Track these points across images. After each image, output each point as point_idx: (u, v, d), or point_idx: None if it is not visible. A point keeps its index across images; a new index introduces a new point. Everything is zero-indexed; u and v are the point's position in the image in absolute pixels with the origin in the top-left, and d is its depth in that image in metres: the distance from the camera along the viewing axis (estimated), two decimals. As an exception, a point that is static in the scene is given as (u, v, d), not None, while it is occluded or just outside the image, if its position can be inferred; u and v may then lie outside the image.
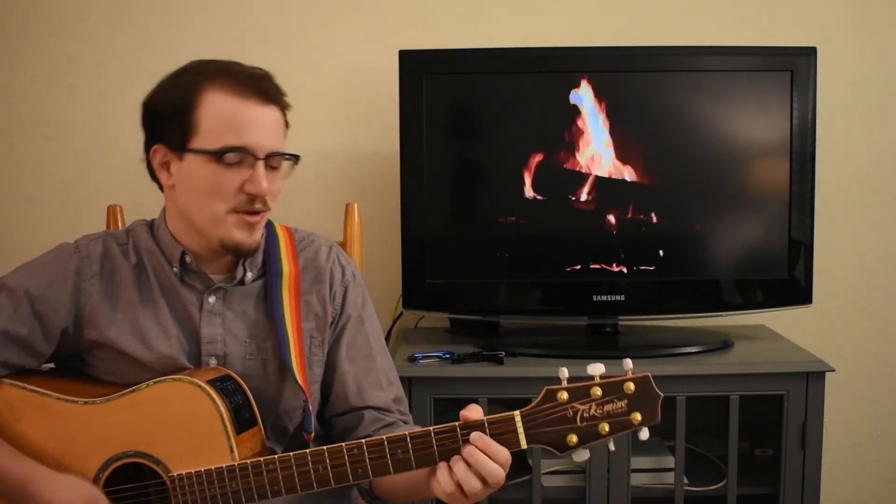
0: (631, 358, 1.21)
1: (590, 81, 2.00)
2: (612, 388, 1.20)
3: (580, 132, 2.01)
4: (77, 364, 1.46)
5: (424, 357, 1.95)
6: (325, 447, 1.28)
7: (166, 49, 2.26)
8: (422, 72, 2.00)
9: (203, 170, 1.35)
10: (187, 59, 1.42)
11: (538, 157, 2.02)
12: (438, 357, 1.96)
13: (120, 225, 1.91)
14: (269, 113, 1.37)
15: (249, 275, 1.46)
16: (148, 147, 1.42)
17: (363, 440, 1.26)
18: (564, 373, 1.22)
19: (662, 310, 2.14)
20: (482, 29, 2.29)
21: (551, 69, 2.04)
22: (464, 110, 2.08)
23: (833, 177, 2.30)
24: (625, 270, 2.04)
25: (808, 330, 2.30)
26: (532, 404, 1.22)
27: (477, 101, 2.07)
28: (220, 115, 1.35)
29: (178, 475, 1.31)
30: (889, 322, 2.36)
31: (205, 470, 1.30)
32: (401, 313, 2.13)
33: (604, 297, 2.04)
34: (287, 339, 1.43)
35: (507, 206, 2.04)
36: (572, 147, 2.02)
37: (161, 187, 1.45)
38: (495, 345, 2.01)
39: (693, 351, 2.01)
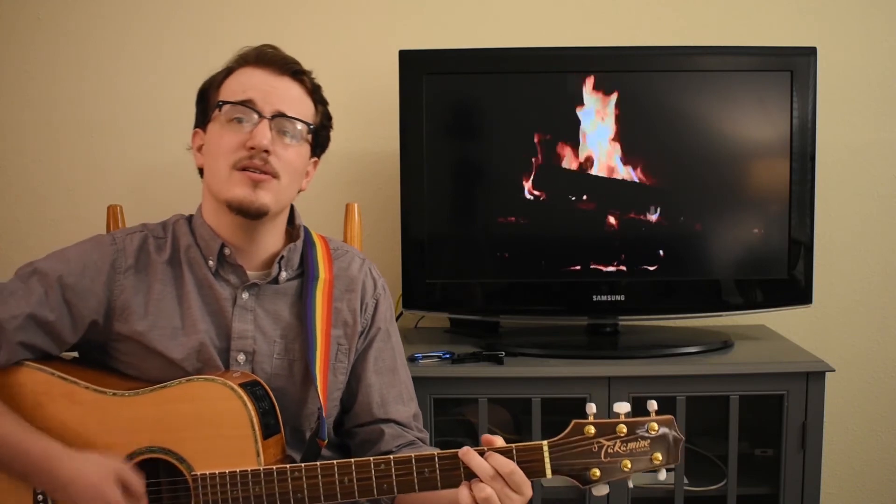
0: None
1: (589, 82, 2.00)
2: (637, 427, 1.25)
3: (580, 132, 2.01)
4: (101, 356, 1.46)
5: (424, 357, 1.95)
6: (352, 460, 1.28)
7: (172, 52, 2.24)
8: (422, 72, 2.00)
9: (214, 133, 1.41)
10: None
11: (538, 157, 2.02)
12: (438, 357, 1.96)
13: (120, 225, 1.91)
14: (286, 83, 1.43)
15: (284, 274, 1.47)
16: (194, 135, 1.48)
17: (391, 456, 1.27)
18: (592, 408, 1.28)
19: (662, 310, 2.14)
20: (482, 29, 2.29)
21: (551, 69, 2.03)
22: (464, 110, 2.08)
23: (833, 177, 2.30)
24: (625, 270, 2.04)
25: (808, 330, 2.30)
26: (560, 435, 1.27)
27: (477, 101, 2.07)
28: (238, 82, 1.41)
29: (200, 475, 1.30)
30: (889, 322, 2.36)
31: (229, 472, 1.29)
32: (401, 313, 2.12)
33: (604, 298, 2.04)
34: (315, 345, 1.43)
35: (507, 206, 2.03)
36: (572, 147, 2.02)
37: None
38: (495, 345, 2.00)
39: (693, 351, 2.01)
